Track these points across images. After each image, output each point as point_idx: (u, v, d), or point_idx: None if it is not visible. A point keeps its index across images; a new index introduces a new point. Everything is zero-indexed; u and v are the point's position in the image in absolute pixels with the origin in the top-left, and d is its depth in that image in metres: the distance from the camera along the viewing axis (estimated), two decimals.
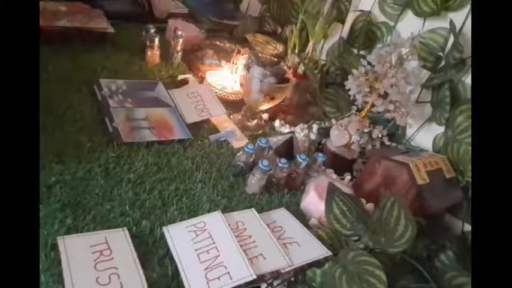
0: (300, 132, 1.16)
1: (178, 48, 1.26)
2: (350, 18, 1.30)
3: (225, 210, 0.81)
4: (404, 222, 0.76)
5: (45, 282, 0.60)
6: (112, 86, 1.05)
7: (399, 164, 0.92)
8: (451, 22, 1.03)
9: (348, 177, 1.03)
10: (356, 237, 0.78)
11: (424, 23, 1.11)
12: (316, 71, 1.26)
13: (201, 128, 1.05)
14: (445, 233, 0.98)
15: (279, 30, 1.59)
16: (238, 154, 0.94)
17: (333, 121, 1.10)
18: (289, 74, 1.13)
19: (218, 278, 0.66)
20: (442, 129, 1.06)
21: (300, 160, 0.92)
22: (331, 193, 0.82)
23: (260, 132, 1.13)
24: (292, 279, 0.71)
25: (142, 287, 0.63)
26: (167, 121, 1.01)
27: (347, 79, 1.03)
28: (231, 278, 0.66)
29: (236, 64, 1.26)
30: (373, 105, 1.02)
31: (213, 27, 1.53)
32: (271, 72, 1.05)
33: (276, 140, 1.00)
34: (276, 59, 1.17)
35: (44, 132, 0.84)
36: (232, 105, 1.19)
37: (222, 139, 1.04)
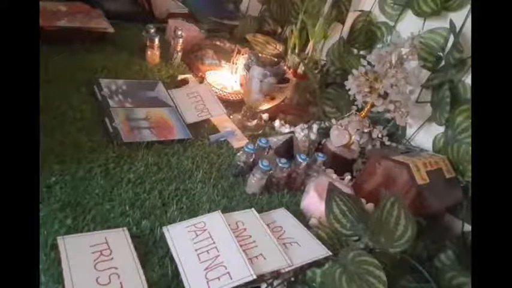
0: (300, 132, 1.16)
1: (178, 48, 1.26)
2: (350, 18, 1.30)
3: (225, 210, 0.81)
4: (404, 222, 0.76)
5: (45, 282, 0.60)
6: (112, 86, 1.05)
7: (399, 164, 0.92)
8: (451, 22, 1.03)
9: (348, 177, 1.03)
10: (356, 237, 0.78)
11: (424, 23, 1.11)
12: (316, 71, 1.26)
13: (201, 128, 1.05)
14: (445, 233, 0.98)
15: (279, 30, 1.59)
16: (238, 154, 0.94)
17: (333, 121, 1.10)
18: (289, 74, 1.13)
19: (218, 278, 0.66)
20: (442, 129, 1.06)
21: (300, 160, 0.92)
22: (331, 193, 0.81)
23: (260, 132, 1.13)
24: (292, 279, 0.71)
25: (142, 287, 0.63)
26: (167, 121, 1.02)
27: (347, 79, 1.03)
28: (231, 278, 0.66)
29: (236, 64, 1.26)
30: (373, 105, 1.02)
31: (213, 27, 1.53)
32: (271, 72, 1.05)
33: (276, 140, 1.00)
34: (276, 59, 1.17)
35: (44, 132, 0.84)
36: (232, 105, 1.18)
37: (222, 139, 1.04)
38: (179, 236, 0.73)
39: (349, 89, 1.02)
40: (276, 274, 0.71)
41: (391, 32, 1.21)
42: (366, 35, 1.26)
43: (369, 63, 1.01)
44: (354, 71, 1.02)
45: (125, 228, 0.72)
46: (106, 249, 0.67)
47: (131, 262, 0.66)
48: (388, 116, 1.02)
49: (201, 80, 1.25)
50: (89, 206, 0.74)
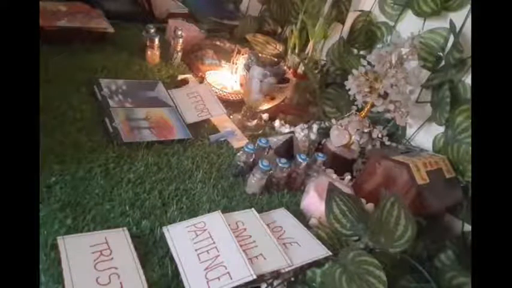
0: (300, 132, 1.16)
1: (178, 48, 1.26)
2: (350, 18, 1.30)
3: (225, 210, 0.81)
4: (404, 222, 0.76)
5: (45, 282, 0.60)
6: (112, 86, 1.05)
7: (399, 164, 0.92)
8: (451, 22, 1.03)
9: (348, 177, 1.03)
10: (356, 237, 0.78)
11: (424, 23, 1.11)
12: (316, 71, 1.26)
13: (201, 128, 1.05)
14: (445, 233, 0.98)
15: (279, 30, 1.59)
16: (238, 154, 0.94)
17: (333, 121, 1.10)
18: (289, 74, 1.13)
19: (218, 278, 0.66)
20: (442, 129, 1.06)
21: (300, 160, 0.92)
22: (331, 193, 0.81)
23: (260, 132, 1.13)
24: (292, 279, 0.71)
25: (142, 287, 0.63)
26: (167, 121, 1.02)
27: (347, 79, 1.03)
28: (231, 278, 0.66)
29: (236, 64, 1.26)
30: (373, 105, 1.02)
31: (213, 27, 1.53)
32: (271, 72, 1.05)
33: (276, 140, 1.00)
34: (276, 59, 1.17)
35: (44, 132, 0.84)
36: (232, 105, 1.18)
37: (222, 139, 1.04)
38: (179, 236, 0.73)
39: (349, 89, 1.02)
40: (276, 274, 0.71)
41: (391, 32, 1.21)
42: (366, 35, 1.26)
43: (369, 63, 1.01)
44: (354, 71, 1.02)
45: (125, 228, 0.72)
46: (106, 249, 0.67)
47: (131, 262, 0.66)
48: (388, 116, 1.02)
49: (201, 80, 1.25)
50: (89, 206, 0.74)
